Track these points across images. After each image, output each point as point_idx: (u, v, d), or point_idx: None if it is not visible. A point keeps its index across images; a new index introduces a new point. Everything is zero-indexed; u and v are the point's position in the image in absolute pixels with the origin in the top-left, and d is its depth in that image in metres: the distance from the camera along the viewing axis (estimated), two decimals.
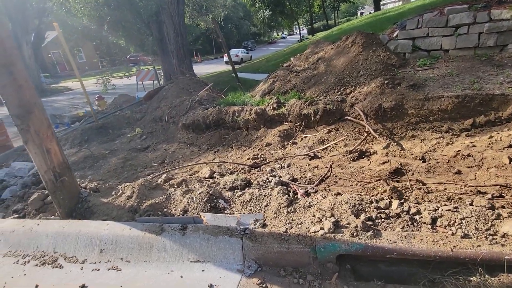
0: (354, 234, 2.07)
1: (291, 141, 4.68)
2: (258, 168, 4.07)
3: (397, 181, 3.03)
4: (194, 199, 3.04)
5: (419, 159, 3.34)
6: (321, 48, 6.67)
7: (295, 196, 2.99)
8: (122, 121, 8.90)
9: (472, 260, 1.76)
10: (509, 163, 2.86)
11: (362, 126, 4.32)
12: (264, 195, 2.87)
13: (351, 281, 2.06)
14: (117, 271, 2.59)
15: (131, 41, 12.86)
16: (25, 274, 2.73)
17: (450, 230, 1.94)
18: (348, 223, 2.21)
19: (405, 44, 5.23)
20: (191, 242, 2.53)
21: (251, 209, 2.82)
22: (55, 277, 2.64)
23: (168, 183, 3.99)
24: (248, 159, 4.47)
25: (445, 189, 2.71)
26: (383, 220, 2.19)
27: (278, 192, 2.80)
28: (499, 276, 1.79)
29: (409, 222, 2.09)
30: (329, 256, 2.10)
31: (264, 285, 2.14)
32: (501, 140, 3.17)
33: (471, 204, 2.18)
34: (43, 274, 2.69)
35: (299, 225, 2.37)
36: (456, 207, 2.06)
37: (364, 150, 3.78)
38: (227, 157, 5.01)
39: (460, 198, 2.49)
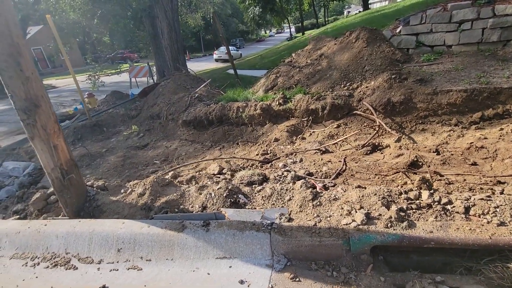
0: (388, 225, 2.06)
1: (300, 136, 4.65)
2: (270, 163, 4.03)
3: (415, 173, 3.05)
4: (213, 194, 2.95)
5: (433, 152, 3.38)
6: (323, 43, 6.68)
7: (314, 190, 2.97)
8: (116, 119, 8.63)
9: (510, 247, 1.78)
10: None
11: (371, 121, 4.34)
12: (286, 189, 2.82)
13: (386, 272, 2.05)
14: (137, 270, 2.48)
15: (119, 37, 12.46)
16: (36, 277, 2.58)
17: (484, 218, 1.96)
18: (380, 215, 2.20)
19: (409, 39, 5.30)
20: (216, 238, 2.46)
21: (273, 204, 2.77)
22: (70, 278, 2.52)
23: (176, 180, 3.89)
24: (257, 154, 4.41)
25: (465, 180, 2.75)
26: (414, 210, 2.19)
27: (301, 186, 2.76)
28: None
29: (442, 212, 2.10)
30: (364, 247, 2.08)
31: (297, 279, 2.09)
32: (511, 132, 3.26)
33: (502, 193, 2.21)
34: (57, 276, 2.56)
35: (328, 218, 2.34)
36: (488, 196, 2.09)
37: (376, 144, 3.80)
38: (234, 153, 4.93)
39: (481, 188, 2.53)
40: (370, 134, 4.15)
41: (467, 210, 2.05)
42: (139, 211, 3.19)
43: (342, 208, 2.38)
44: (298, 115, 4.98)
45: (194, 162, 4.67)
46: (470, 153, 3.18)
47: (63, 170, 3.10)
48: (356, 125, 4.41)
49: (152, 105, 8.17)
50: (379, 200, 2.28)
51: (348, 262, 2.12)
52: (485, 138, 3.31)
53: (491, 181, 2.63)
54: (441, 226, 1.97)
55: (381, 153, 3.67)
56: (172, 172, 4.28)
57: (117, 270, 2.52)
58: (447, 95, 3.93)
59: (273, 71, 6.65)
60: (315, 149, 4.12)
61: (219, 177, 3.99)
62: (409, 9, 8.31)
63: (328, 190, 2.99)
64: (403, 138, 3.81)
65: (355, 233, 2.10)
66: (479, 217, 1.99)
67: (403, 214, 2.13)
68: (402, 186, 2.84)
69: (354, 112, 4.53)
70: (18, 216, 3.64)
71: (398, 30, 5.43)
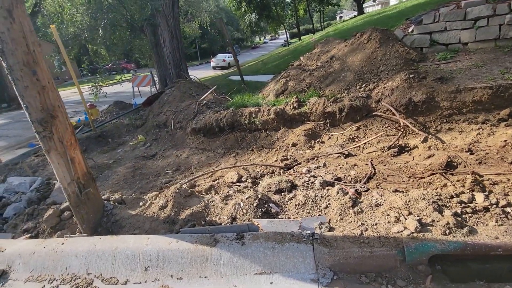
0: (447, 232, 1.90)
1: (318, 140, 4.50)
2: (292, 169, 3.87)
3: (451, 174, 2.91)
4: (242, 204, 2.78)
5: (466, 151, 3.25)
6: (332, 46, 6.61)
7: (353, 196, 2.81)
8: (121, 129, 8.46)
9: None
10: None
11: (392, 122, 4.22)
12: (321, 196, 2.66)
13: (447, 283, 1.88)
14: None
15: (120, 47, 12.32)
16: None
17: None
18: (433, 221, 2.04)
19: (422, 38, 5.23)
20: (253, 252, 2.28)
21: (309, 212, 2.61)
22: None
23: (194, 190, 3.71)
24: (276, 160, 4.25)
25: (508, 179, 2.60)
26: (470, 215, 2.04)
27: (338, 192, 2.60)
28: None
29: (502, 215, 1.95)
30: (421, 257, 1.91)
31: None
32: None
33: None
34: None
35: (375, 226, 2.18)
36: None
37: (403, 145, 3.66)
38: (250, 160, 4.77)
39: None
40: (393, 135, 4.02)
41: None
42: (162, 225, 3.01)
43: (388, 215, 2.22)
44: (314, 118, 4.85)
45: (211, 171, 4.50)
46: (506, 151, 3.05)
47: (80, 184, 2.93)
48: (376, 126, 4.28)
49: (158, 114, 8.01)
50: (429, 204, 2.12)
51: (404, 274, 1.95)
52: None
53: None
54: (506, 231, 1.82)
55: (409, 155, 3.53)
56: (188, 182, 4.11)
57: None
58: (471, 92, 3.82)
59: (282, 75, 6.55)
60: (338, 153, 3.97)
61: (239, 186, 3.82)
62: (413, 10, 8.32)
63: (362, 196, 2.83)
64: (430, 138, 3.68)
65: (410, 241, 1.94)
66: None
67: (459, 219, 1.98)
68: (442, 189, 2.69)
69: (374, 113, 4.40)
70: (29, 234, 3.44)
71: (410, 30, 5.36)
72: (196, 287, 2.27)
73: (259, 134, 5.34)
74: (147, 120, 8.46)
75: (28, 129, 12.00)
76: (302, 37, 33.66)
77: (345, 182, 3.21)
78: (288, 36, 38.84)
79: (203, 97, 7.57)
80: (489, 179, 2.63)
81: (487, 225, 1.93)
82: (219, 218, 2.86)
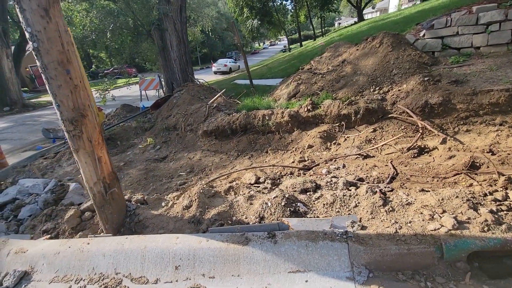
0: (485, 229, 1.92)
1: (334, 142, 4.53)
2: (310, 170, 3.89)
3: (476, 174, 2.94)
4: (269, 204, 2.79)
5: (487, 152, 3.28)
6: (343, 50, 6.69)
7: (383, 195, 2.82)
8: (129, 132, 8.46)
9: None
10: None
11: (408, 124, 4.26)
12: (350, 195, 2.67)
13: (487, 280, 1.89)
14: None
15: (127, 51, 12.39)
16: None
17: None
18: (469, 218, 2.05)
19: (434, 43, 5.31)
20: (286, 251, 2.28)
21: (338, 211, 2.62)
22: None
23: (216, 190, 3.70)
24: (293, 162, 4.27)
25: None
26: (505, 212, 2.05)
27: (367, 191, 2.61)
28: None
29: None
30: (460, 254, 1.92)
31: None
32: None
33: None
34: None
35: (409, 224, 2.19)
36: None
37: (422, 146, 3.70)
38: (265, 161, 4.79)
39: None
40: (411, 137, 4.05)
41: None
42: (187, 225, 3.00)
43: (422, 213, 2.24)
44: (328, 120, 4.88)
45: (227, 173, 4.50)
46: None
47: (106, 183, 2.93)
48: (392, 128, 4.32)
49: (167, 116, 8.03)
50: (463, 202, 2.14)
51: (443, 271, 1.95)
52: None
53: None
54: None
55: (429, 156, 3.56)
56: (207, 183, 4.11)
57: None
58: (488, 95, 3.88)
59: (294, 78, 6.60)
60: (356, 154, 4.00)
61: (259, 186, 3.83)
62: (419, 16, 8.44)
63: (385, 195, 2.85)
64: (449, 140, 3.71)
65: (449, 239, 1.95)
66: None
67: (496, 216, 2.00)
68: (468, 188, 2.71)
69: (389, 115, 4.44)
70: (49, 235, 3.42)
71: (422, 34, 5.45)
72: (229, 286, 2.26)
73: (273, 136, 5.36)
74: (155, 123, 8.48)
75: (32, 132, 12.00)
76: (303, 43, 33.97)
77: (368, 183, 3.23)
78: (285, 42, 39.25)
79: (213, 100, 7.61)
80: None
81: None
82: (246, 218, 2.86)
